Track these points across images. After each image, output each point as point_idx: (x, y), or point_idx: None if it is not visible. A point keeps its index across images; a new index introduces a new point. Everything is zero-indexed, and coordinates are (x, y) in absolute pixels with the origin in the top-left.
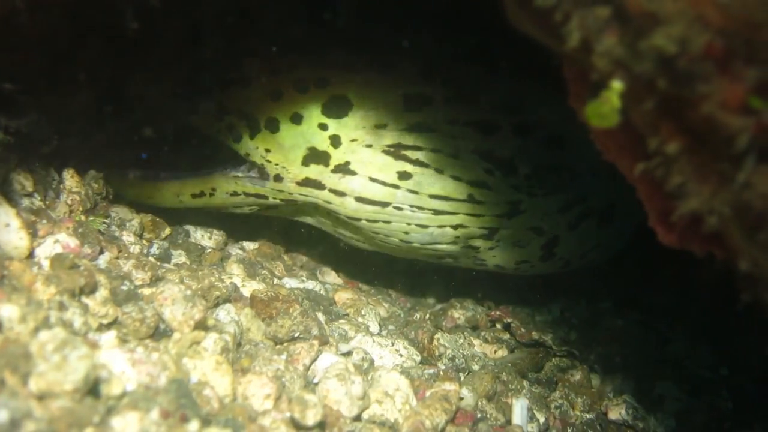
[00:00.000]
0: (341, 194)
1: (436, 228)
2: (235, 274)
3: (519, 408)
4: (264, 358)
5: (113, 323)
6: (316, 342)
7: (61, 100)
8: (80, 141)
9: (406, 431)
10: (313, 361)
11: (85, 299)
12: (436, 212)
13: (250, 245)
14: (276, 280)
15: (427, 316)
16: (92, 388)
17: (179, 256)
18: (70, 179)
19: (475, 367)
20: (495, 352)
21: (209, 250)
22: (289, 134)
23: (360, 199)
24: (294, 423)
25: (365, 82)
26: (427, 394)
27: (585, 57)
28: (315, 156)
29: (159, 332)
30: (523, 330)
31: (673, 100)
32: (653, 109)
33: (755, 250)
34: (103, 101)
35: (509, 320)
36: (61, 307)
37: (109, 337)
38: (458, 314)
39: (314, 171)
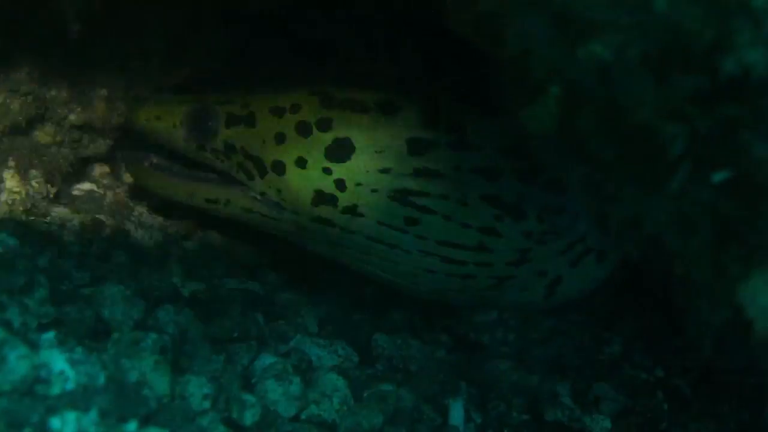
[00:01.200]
0: (351, 232)
1: (444, 275)
2: (175, 274)
3: (456, 409)
4: (203, 358)
5: (53, 323)
6: (255, 342)
7: None
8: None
9: (344, 431)
10: (252, 361)
11: (24, 299)
12: (445, 259)
13: (190, 245)
14: (216, 280)
15: (366, 317)
16: (31, 388)
17: (119, 256)
18: (10, 179)
19: (413, 368)
20: (433, 353)
21: (150, 249)
22: (295, 177)
23: (370, 238)
24: (232, 423)
25: (369, 124)
26: (365, 394)
27: (524, 62)
28: (323, 198)
29: (98, 332)
30: (461, 331)
31: (610, 107)
32: (590, 115)
33: (690, 255)
34: None
35: (448, 321)
36: (0, 306)
37: (49, 336)
38: (397, 315)
39: (325, 211)
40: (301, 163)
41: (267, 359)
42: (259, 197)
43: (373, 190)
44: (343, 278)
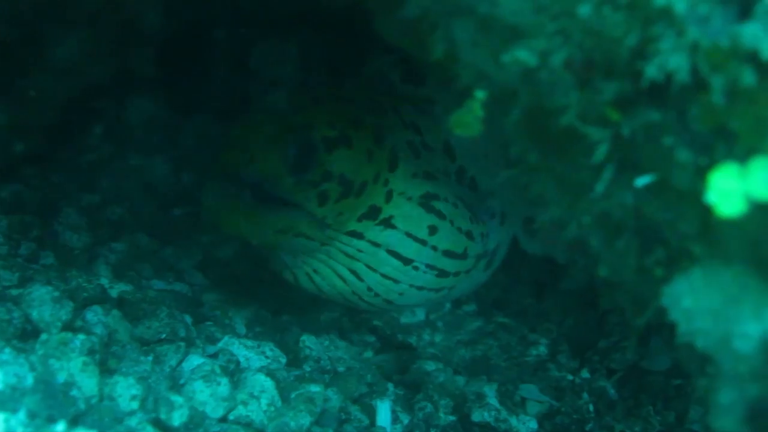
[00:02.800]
0: (376, 245)
1: (430, 291)
2: (103, 275)
3: (383, 410)
4: (131, 359)
5: None
6: (183, 343)
7: None
8: None
9: None
10: (180, 362)
11: None
12: (440, 274)
13: (118, 246)
14: (144, 282)
15: (294, 318)
16: None
17: (47, 257)
18: None
19: (341, 369)
20: (360, 354)
21: (78, 251)
22: (369, 194)
23: (390, 252)
24: (160, 424)
25: (398, 129)
26: (293, 395)
27: (450, 67)
28: (371, 212)
29: (27, 333)
30: (388, 332)
31: (535, 111)
32: (516, 119)
33: (614, 257)
34: None
35: (375, 322)
36: None
37: None
38: (325, 317)
39: (362, 225)
40: (377, 178)
41: (195, 360)
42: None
43: (408, 198)
44: (271, 279)
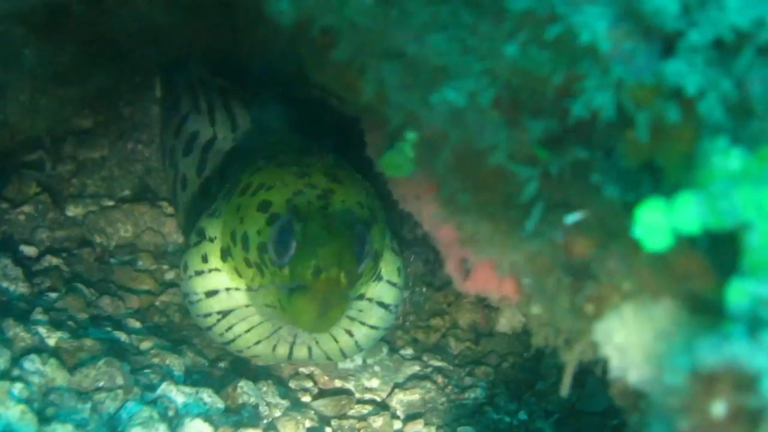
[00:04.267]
0: (371, 299)
1: (387, 330)
2: (40, 324)
3: None
4: (69, 407)
5: None
6: (120, 391)
7: None
8: None
9: None
10: (118, 410)
11: None
12: (397, 310)
13: (55, 296)
14: (81, 331)
15: (231, 364)
16: None
17: None
18: None
19: (278, 414)
20: (298, 399)
21: (15, 301)
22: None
23: (379, 303)
24: None
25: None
26: None
27: (381, 109)
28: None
29: None
30: (326, 377)
31: (465, 151)
32: (446, 159)
33: (545, 295)
34: None
35: (312, 368)
36: None
37: None
38: (262, 362)
39: (366, 285)
40: (383, 236)
41: (133, 407)
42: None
43: (390, 247)
44: None
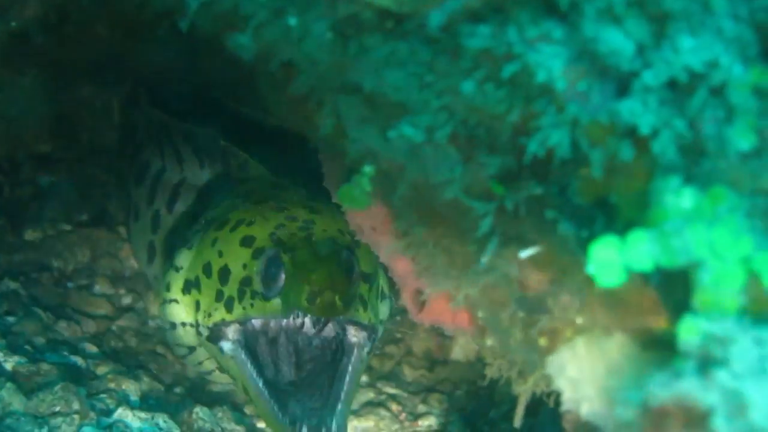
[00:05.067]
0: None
1: None
2: None
3: None
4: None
5: None
6: (76, 416)
7: None
8: None
9: None
10: None
11: None
12: None
13: (12, 320)
14: (38, 355)
15: (187, 390)
16: None
17: None
18: None
19: None
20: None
21: None
22: None
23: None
24: None
25: None
26: None
27: (338, 142)
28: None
29: None
30: None
31: (421, 185)
32: (403, 193)
33: (500, 328)
34: None
35: None
36: None
37: None
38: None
39: None
40: None
41: None
42: None
43: None
44: (164, 352)
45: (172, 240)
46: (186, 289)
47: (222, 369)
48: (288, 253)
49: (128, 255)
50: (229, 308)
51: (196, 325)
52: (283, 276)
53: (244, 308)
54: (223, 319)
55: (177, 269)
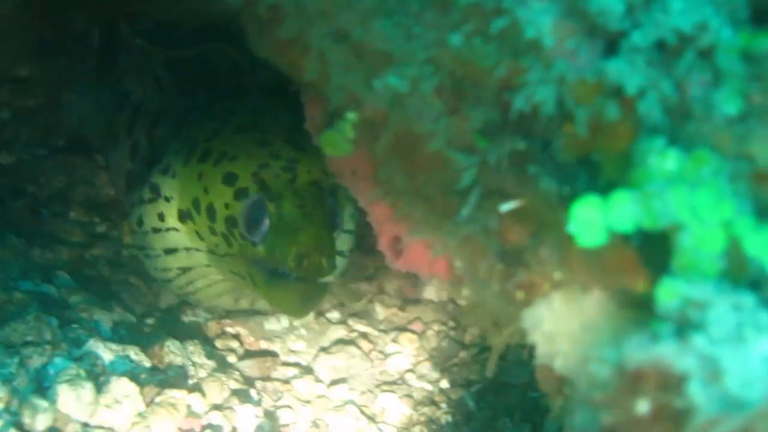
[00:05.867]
0: None
1: None
2: None
3: (246, 415)
4: None
5: None
6: (48, 346)
7: None
8: None
9: None
10: (45, 365)
11: None
12: None
13: None
14: (11, 283)
15: (159, 322)
16: None
17: None
18: None
19: (203, 375)
20: (224, 359)
21: None
22: None
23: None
24: (24, 427)
25: None
26: (156, 400)
27: (323, 88)
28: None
29: None
30: (252, 339)
31: (404, 135)
32: (386, 142)
33: (477, 279)
34: None
35: (239, 329)
36: None
37: None
38: (189, 321)
39: None
40: None
41: (60, 364)
42: None
43: None
44: (137, 282)
45: (150, 167)
46: (182, 218)
47: (231, 275)
48: (273, 203)
49: (104, 183)
50: (225, 244)
51: (208, 251)
52: (267, 222)
53: (240, 246)
54: (227, 253)
55: (167, 199)
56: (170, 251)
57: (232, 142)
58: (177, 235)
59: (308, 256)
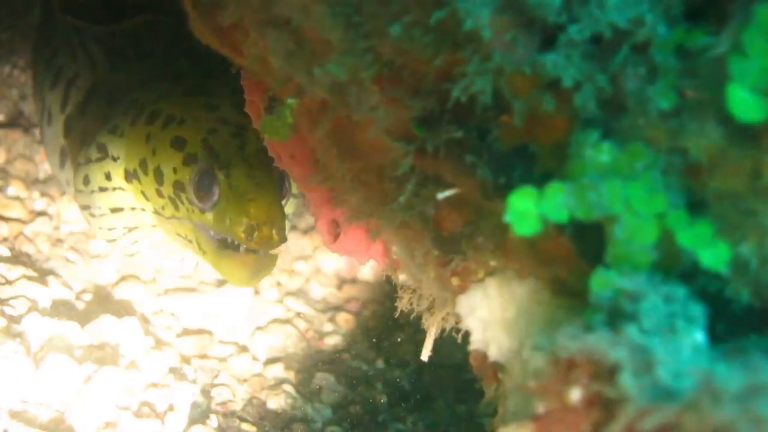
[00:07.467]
0: None
1: None
2: None
3: (183, 392)
4: None
5: None
6: None
7: None
8: None
9: None
10: None
11: None
12: None
13: None
14: None
15: (95, 297)
16: None
17: None
18: None
19: (140, 352)
20: (161, 337)
21: None
22: None
23: None
24: None
25: None
26: (94, 377)
27: (263, 72)
28: None
29: None
30: (189, 316)
31: (344, 122)
32: (325, 129)
33: (413, 264)
34: None
35: (176, 306)
36: None
37: None
38: (126, 296)
39: None
40: None
41: None
42: None
43: None
44: (75, 258)
45: (82, 144)
46: (128, 178)
47: (176, 237)
48: (223, 170)
49: (43, 158)
50: (172, 206)
51: (155, 212)
52: (216, 190)
53: (187, 210)
54: (173, 215)
55: (114, 159)
56: (116, 210)
57: (180, 104)
58: (123, 195)
59: (259, 228)
